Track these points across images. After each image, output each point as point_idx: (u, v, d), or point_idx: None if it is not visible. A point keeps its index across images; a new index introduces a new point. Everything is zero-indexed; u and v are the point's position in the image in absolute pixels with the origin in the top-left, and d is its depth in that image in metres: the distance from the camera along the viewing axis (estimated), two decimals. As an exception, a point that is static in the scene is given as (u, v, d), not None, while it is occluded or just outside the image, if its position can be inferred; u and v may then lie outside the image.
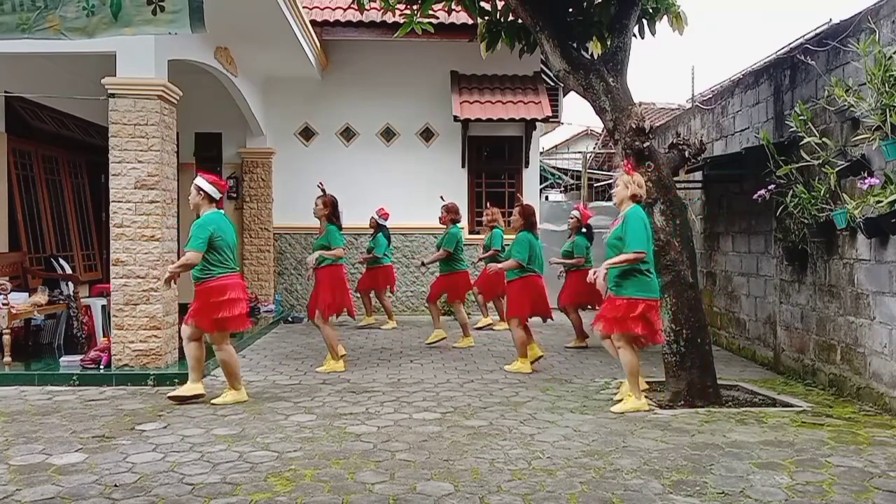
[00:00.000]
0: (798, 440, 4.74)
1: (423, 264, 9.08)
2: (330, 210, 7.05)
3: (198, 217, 5.74)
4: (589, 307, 8.63)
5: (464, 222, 11.32)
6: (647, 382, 6.16)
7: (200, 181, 5.76)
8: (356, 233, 10.86)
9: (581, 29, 6.76)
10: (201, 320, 5.64)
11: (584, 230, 8.51)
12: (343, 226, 7.24)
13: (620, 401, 5.64)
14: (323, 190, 7.22)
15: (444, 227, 8.76)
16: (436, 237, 10.03)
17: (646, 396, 5.71)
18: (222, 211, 5.89)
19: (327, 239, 6.97)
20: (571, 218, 8.67)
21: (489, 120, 11.09)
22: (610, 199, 13.74)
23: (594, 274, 5.41)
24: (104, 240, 9.23)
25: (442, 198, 9.22)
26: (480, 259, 9.71)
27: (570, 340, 8.65)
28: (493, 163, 12.14)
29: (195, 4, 3.37)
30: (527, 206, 7.48)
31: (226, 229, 5.74)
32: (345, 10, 10.93)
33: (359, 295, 10.19)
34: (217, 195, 5.79)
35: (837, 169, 5.76)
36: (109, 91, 6.63)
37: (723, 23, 63.00)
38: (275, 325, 10.33)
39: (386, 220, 10.11)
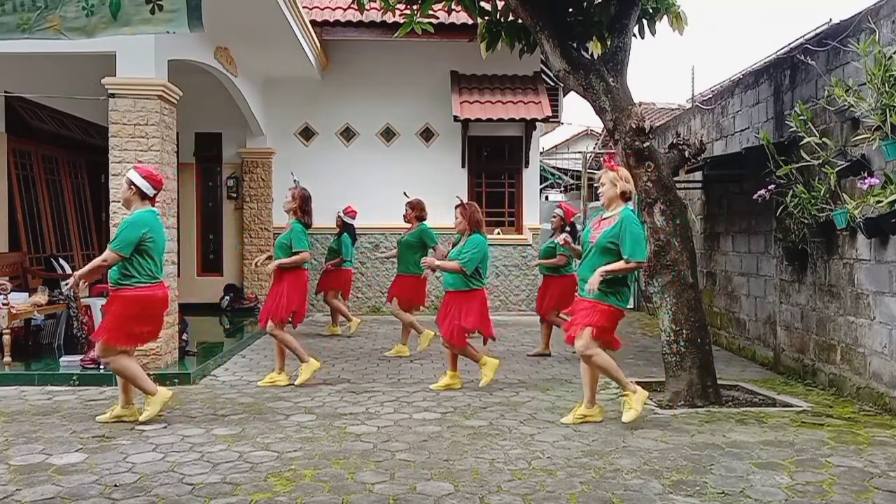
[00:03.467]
0: (798, 440, 4.74)
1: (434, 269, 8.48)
2: (299, 203, 6.40)
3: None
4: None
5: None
6: (648, 382, 6.16)
7: (133, 174, 5.19)
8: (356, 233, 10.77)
9: (581, 29, 6.75)
10: (113, 335, 5.01)
11: (567, 229, 7.95)
12: (312, 224, 6.57)
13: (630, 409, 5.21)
14: (295, 180, 6.68)
15: (410, 224, 8.04)
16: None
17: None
18: (156, 210, 5.35)
19: (289, 238, 6.32)
20: (555, 216, 8.13)
21: (489, 120, 11.09)
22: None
23: (590, 286, 4.90)
24: (104, 240, 9.23)
25: (405, 194, 8.55)
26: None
27: (533, 349, 8.20)
28: (493, 163, 12.14)
29: (193, 3, 3.37)
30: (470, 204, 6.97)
31: (158, 232, 5.21)
32: (345, 10, 10.94)
33: (321, 300, 9.71)
34: (150, 191, 5.22)
35: (837, 169, 5.76)
36: (109, 91, 6.63)
37: (723, 23, 62.99)
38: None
39: (353, 218, 9.46)
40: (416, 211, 8.01)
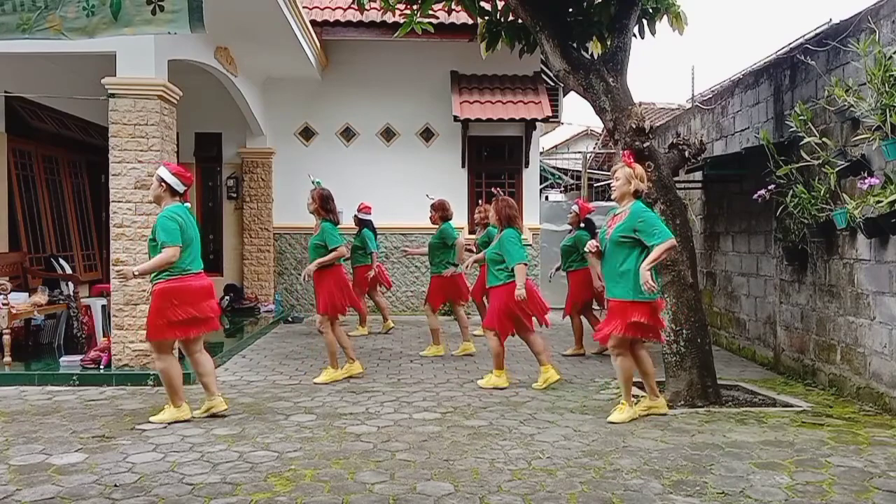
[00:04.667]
0: (798, 440, 4.74)
1: (458, 266, 8.18)
2: (319, 203, 6.58)
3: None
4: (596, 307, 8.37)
5: (463, 222, 11.35)
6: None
7: (163, 171, 5.26)
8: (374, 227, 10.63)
9: (581, 29, 6.75)
10: (152, 330, 5.10)
11: (583, 224, 8.19)
12: (340, 223, 6.82)
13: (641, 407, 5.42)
14: (315, 182, 6.78)
15: (436, 226, 8.20)
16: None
17: (644, 397, 5.68)
18: (188, 205, 5.43)
19: (322, 237, 6.52)
20: (571, 213, 8.41)
21: (489, 120, 11.09)
22: (610, 198, 13.76)
23: (644, 286, 4.89)
24: (104, 240, 9.24)
25: (428, 196, 8.73)
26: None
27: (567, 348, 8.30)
28: (493, 163, 12.14)
29: (194, 4, 3.37)
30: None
31: (191, 224, 5.33)
32: (345, 10, 10.94)
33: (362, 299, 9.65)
34: (181, 188, 5.31)
35: (837, 169, 5.76)
36: (109, 91, 6.63)
37: (723, 23, 63.00)
38: (275, 325, 10.32)
39: (368, 214, 9.42)
40: (440, 212, 8.22)
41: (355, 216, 9.45)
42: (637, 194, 5.26)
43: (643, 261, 4.99)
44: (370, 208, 9.57)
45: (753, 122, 7.73)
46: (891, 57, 5.01)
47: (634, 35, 6.58)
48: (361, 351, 8.26)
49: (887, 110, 4.93)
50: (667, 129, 10.87)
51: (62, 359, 6.86)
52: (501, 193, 6.74)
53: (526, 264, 6.27)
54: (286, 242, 11.83)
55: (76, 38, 3.47)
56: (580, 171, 16.21)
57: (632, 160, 5.35)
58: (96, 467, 4.21)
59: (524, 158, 11.89)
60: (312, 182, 6.83)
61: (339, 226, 6.70)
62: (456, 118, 11.07)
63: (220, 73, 9.09)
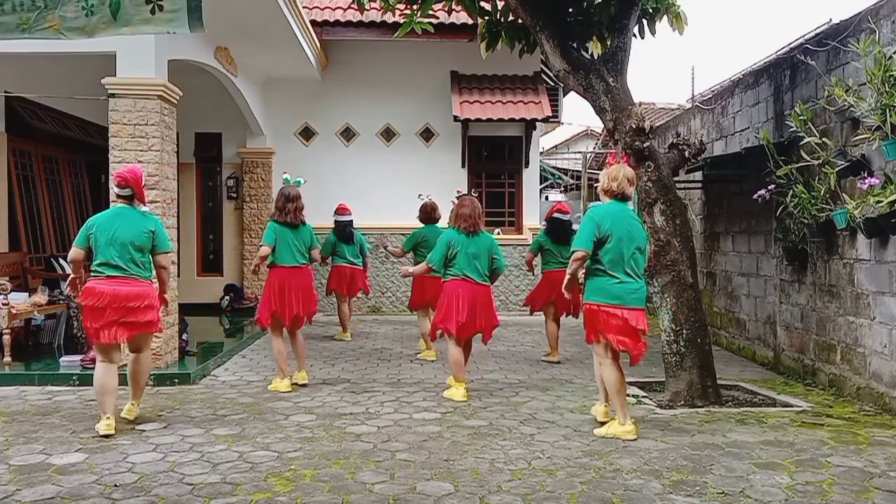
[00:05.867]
0: (798, 440, 4.74)
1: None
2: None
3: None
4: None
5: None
6: (648, 382, 6.16)
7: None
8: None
9: (581, 29, 6.75)
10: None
11: (544, 224, 7.84)
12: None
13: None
14: (294, 181, 6.53)
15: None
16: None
17: (643, 397, 5.67)
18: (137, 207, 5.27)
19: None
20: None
21: (489, 120, 11.08)
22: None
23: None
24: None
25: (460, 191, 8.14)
26: None
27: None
28: (493, 163, 12.13)
29: (193, 4, 3.37)
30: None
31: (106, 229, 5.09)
32: (345, 10, 10.93)
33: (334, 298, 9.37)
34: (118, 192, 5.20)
35: (837, 169, 5.76)
36: (109, 91, 6.63)
37: (723, 23, 63.00)
38: (275, 325, 10.30)
39: (342, 215, 8.92)
40: (420, 215, 8.13)
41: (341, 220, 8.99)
42: (609, 193, 4.91)
43: (590, 265, 4.84)
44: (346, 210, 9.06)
45: (753, 122, 7.73)
46: (891, 57, 5.01)
47: (634, 35, 6.58)
48: (361, 351, 8.26)
49: (887, 110, 4.92)
50: (667, 129, 10.87)
51: (62, 359, 6.86)
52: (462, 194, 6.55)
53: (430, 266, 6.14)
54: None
55: (75, 37, 3.47)
56: (580, 171, 16.22)
57: (612, 160, 5.06)
58: (96, 467, 4.21)
59: (524, 158, 11.88)
60: (292, 182, 6.47)
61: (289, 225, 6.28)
62: (456, 118, 11.06)
63: (220, 73, 9.09)
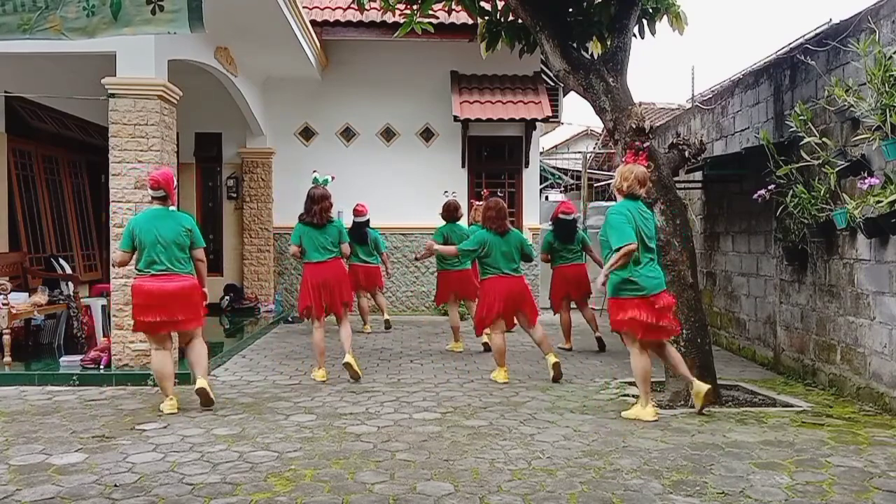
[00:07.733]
0: (798, 440, 4.74)
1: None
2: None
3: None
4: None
5: (463, 221, 11.30)
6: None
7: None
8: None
9: (581, 29, 6.75)
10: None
11: (550, 224, 8.42)
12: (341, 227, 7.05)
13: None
14: (321, 180, 7.05)
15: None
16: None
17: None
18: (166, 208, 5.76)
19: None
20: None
21: (489, 120, 11.08)
22: (609, 198, 13.77)
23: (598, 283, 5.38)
24: (104, 240, 9.23)
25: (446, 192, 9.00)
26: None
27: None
28: (493, 163, 12.13)
29: (194, 4, 3.36)
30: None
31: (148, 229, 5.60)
32: (345, 10, 10.94)
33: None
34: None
35: (837, 169, 5.76)
36: (109, 91, 6.63)
37: (723, 23, 63.03)
38: (275, 325, 10.32)
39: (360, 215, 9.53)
40: (442, 212, 8.57)
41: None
42: (622, 192, 5.33)
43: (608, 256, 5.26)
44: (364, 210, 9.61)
45: (753, 122, 7.73)
46: (891, 57, 5.01)
47: (634, 35, 6.58)
48: (361, 351, 8.26)
49: (887, 110, 4.92)
50: (667, 129, 10.87)
51: (62, 359, 6.86)
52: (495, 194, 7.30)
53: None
54: (286, 242, 11.77)
55: (76, 38, 3.47)
56: (580, 171, 16.21)
57: (631, 158, 5.40)
58: (96, 467, 4.21)
59: (524, 158, 11.88)
60: (320, 180, 6.97)
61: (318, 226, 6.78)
62: (456, 118, 11.06)
63: (220, 73, 9.09)
